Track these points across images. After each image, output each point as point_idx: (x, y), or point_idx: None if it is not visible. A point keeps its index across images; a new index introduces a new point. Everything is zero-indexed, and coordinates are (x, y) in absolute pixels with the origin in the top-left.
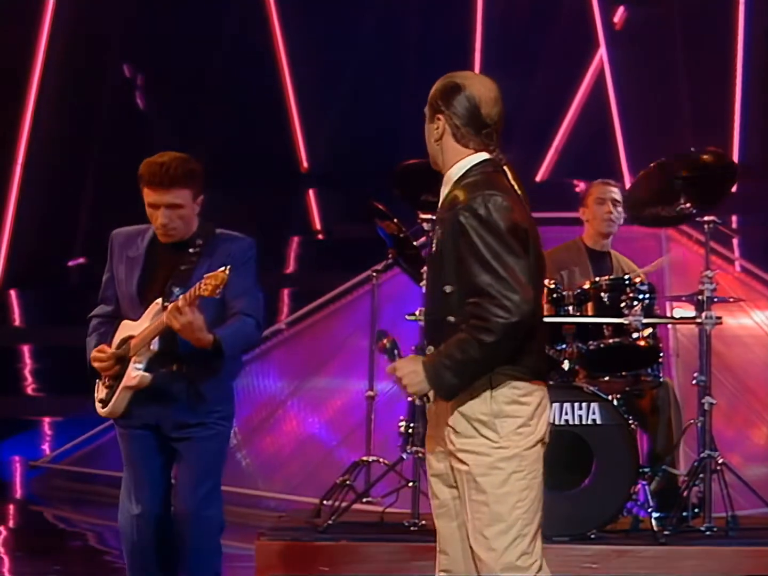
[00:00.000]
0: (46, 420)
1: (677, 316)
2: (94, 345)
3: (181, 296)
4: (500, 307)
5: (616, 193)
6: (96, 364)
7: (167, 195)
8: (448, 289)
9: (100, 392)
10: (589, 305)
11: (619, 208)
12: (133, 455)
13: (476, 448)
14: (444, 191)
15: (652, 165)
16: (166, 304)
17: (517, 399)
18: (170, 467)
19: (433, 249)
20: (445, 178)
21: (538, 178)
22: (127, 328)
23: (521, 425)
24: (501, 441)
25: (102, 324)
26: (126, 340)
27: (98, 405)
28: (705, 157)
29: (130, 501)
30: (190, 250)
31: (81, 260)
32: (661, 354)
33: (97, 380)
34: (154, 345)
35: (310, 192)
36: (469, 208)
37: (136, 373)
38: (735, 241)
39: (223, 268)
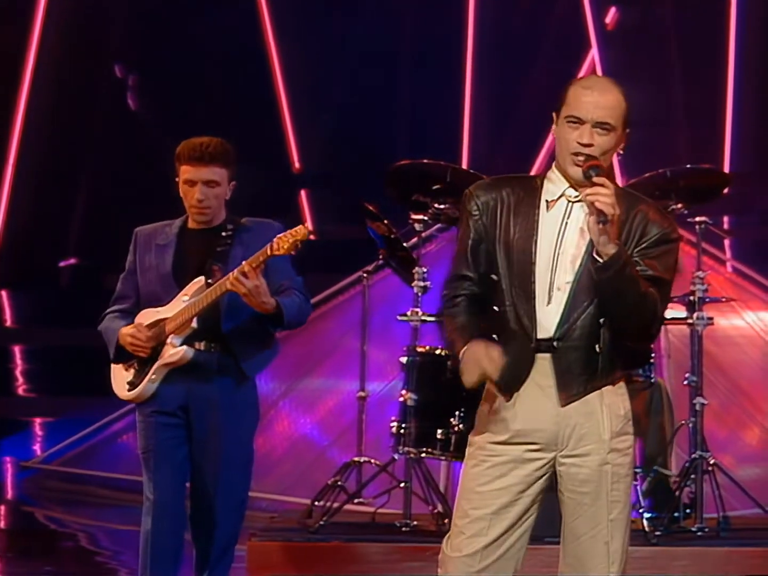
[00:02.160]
0: (38, 420)
1: (669, 316)
2: (124, 326)
3: (244, 262)
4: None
5: None
6: (134, 341)
7: (206, 171)
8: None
9: (126, 375)
10: None
11: None
12: (155, 443)
13: (626, 446)
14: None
15: (647, 175)
16: (209, 281)
17: None
18: (190, 458)
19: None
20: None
21: None
22: (152, 314)
23: None
24: (633, 439)
25: (123, 315)
26: (156, 324)
27: (124, 388)
28: (701, 175)
29: (149, 489)
30: (223, 234)
31: (72, 261)
32: (653, 354)
33: (116, 365)
34: (194, 322)
35: (302, 192)
36: (672, 225)
37: (176, 349)
38: (727, 242)
39: (301, 225)
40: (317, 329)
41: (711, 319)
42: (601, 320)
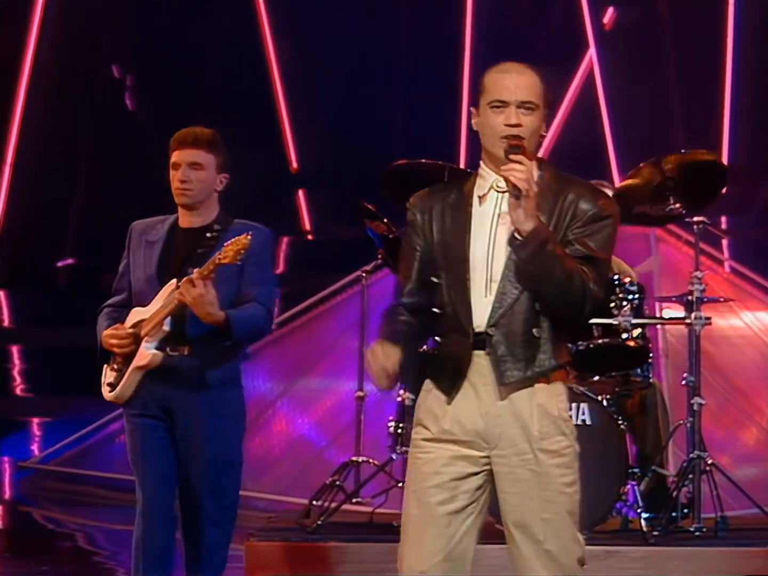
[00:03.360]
0: (35, 420)
1: (667, 316)
2: (107, 327)
3: (195, 270)
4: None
5: (609, 192)
6: (113, 341)
7: (189, 152)
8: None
9: (108, 376)
10: None
11: None
12: (142, 446)
13: (560, 447)
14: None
15: (642, 164)
16: (180, 284)
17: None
18: (178, 461)
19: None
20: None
21: None
22: (137, 314)
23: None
24: (572, 439)
25: (114, 311)
26: (137, 324)
27: (106, 389)
28: (696, 156)
29: (139, 492)
30: (208, 235)
31: (70, 261)
32: (651, 354)
33: (105, 365)
34: (166, 325)
35: (300, 192)
36: (607, 202)
37: (147, 352)
38: (724, 242)
39: (245, 234)
40: (316, 329)
41: (709, 319)
42: (537, 304)
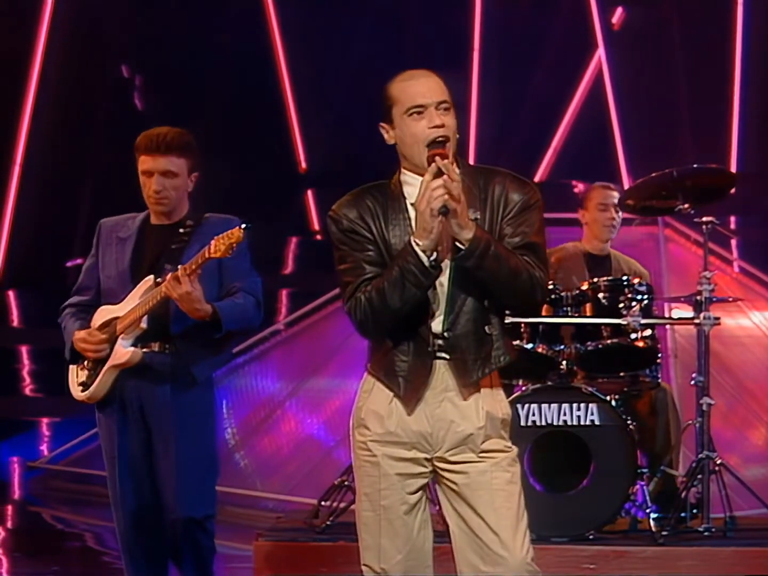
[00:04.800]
0: (45, 421)
1: (676, 316)
2: (78, 328)
3: (180, 266)
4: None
5: (616, 198)
6: (87, 346)
7: (162, 161)
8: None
9: (80, 376)
10: (588, 306)
11: (619, 213)
12: (117, 447)
13: (500, 447)
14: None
15: (654, 175)
16: (158, 280)
17: None
18: (151, 460)
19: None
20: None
21: (536, 179)
22: (107, 312)
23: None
24: (509, 442)
25: (81, 311)
26: (109, 323)
27: (77, 389)
28: (708, 174)
29: (116, 496)
30: (181, 230)
31: (79, 261)
32: (660, 355)
33: (73, 365)
34: (144, 322)
35: (309, 192)
36: (532, 189)
37: (125, 350)
38: (733, 242)
39: (238, 227)
40: (323, 329)
41: (718, 319)
42: (486, 303)
